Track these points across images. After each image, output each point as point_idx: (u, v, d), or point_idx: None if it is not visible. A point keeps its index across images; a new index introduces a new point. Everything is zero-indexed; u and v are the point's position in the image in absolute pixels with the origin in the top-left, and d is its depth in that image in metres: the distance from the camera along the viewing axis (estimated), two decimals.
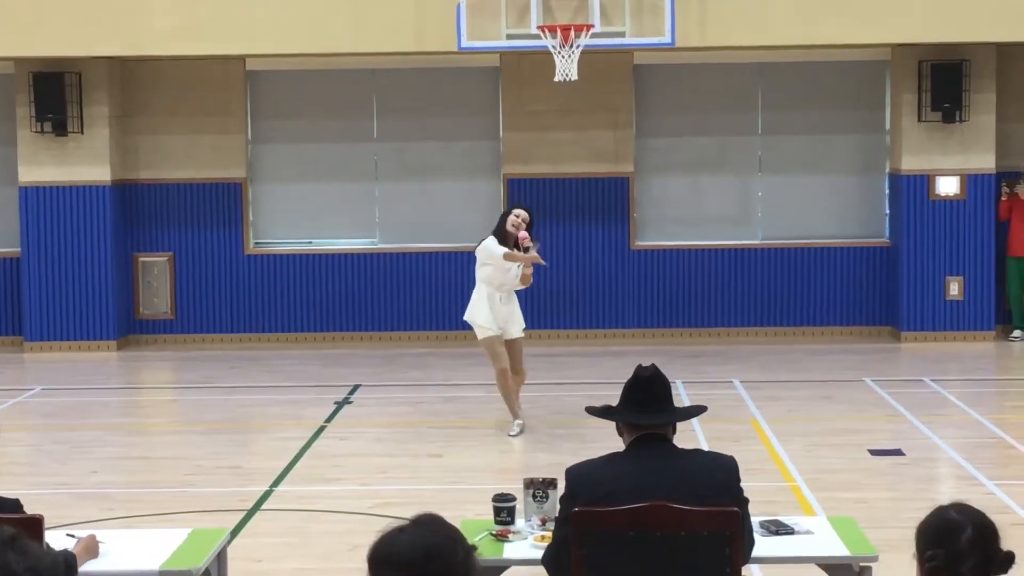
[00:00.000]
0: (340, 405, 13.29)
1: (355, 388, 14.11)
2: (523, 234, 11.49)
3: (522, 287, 11.82)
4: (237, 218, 16.99)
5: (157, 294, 16.99)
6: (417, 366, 15.08)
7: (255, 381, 14.77)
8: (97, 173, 16.37)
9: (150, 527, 8.68)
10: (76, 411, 13.33)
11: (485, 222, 16.93)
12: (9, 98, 16.49)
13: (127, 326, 16.92)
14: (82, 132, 16.25)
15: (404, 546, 3.37)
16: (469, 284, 16.78)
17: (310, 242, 17.11)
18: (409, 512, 3.60)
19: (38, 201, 16.37)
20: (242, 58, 16.68)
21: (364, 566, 3.43)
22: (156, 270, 16.97)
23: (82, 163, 16.33)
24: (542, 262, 11.66)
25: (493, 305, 11.65)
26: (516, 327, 11.81)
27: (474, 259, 11.81)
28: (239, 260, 17.01)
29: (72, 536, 5.76)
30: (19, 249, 16.61)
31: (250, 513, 9.43)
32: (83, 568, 5.45)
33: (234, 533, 8.50)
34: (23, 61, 16.07)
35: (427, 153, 17.12)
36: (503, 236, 11.59)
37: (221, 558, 6.02)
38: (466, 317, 11.90)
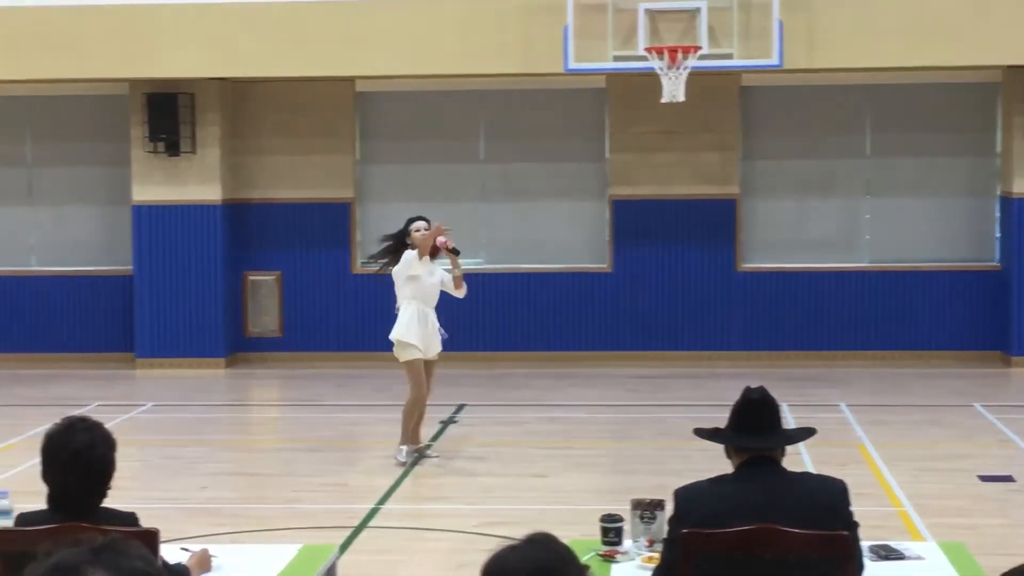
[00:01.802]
0: (445, 425, 13.36)
1: (460, 408, 14.18)
2: (442, 239, 11.30)
3: (458, 293, 11.56)
4: (345, 238, 17.15)
5: (266, 312, 17.19)
6: (521, 386, 15.11)
7: (362, 399, 14.89)
8: (208, 192, 16.62)
9: (258, 542, 8.78)
10: (186, 427, 13.53)
11: (590, 243, 17.01)
12: (124, 119, 16.80)
13: (236, 344, 17.12)
14: (194, 152, 16.51)
15: (516, 564, 3.39)
16: (573, 305, 16.96)
17: None
18: (514, 531, 3.63)
19: (150, 220, 16.64)
20: (352, 79, 16.85)
21: None
22: (265, 289, 17.17)
23: (194, 183, 16.59)
24: (450, 246, 11.31)
25: (422, 324, 11.44)
26: (437, 346, 11.61)
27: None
28: (347, 279, 17.16)
29: (186, 550, 5.85)
30: (131, 267, 16.89)
31: (357, 530, 9.51)
32: None
33: (342, 549, 8.59)
34: (138, 83, 16.37)
35: (533, 174, 17.17)
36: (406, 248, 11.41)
37: (331, 574, 6.08)
38: (393, 336, 11.56)
